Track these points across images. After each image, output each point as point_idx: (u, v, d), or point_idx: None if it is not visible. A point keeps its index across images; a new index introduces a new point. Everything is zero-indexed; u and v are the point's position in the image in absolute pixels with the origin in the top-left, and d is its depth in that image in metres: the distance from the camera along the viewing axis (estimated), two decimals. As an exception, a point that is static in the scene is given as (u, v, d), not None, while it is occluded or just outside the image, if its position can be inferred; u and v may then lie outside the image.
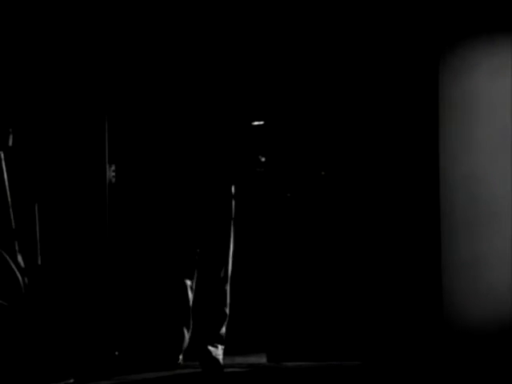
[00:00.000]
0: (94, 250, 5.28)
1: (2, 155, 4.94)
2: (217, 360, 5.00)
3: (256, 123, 5.60)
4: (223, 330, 5.08)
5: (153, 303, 5.41)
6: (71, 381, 4.68)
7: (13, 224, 4.91)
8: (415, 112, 5.30)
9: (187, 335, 5.02)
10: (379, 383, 4.77)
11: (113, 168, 5.40)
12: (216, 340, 5.05)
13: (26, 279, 4.83)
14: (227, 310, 5.08)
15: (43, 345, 4.89)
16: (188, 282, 5.06)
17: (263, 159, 5.42)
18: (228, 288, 5.09)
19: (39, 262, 5.03)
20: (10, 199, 4.93)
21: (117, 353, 5.30)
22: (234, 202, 5.09)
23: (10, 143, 4.98)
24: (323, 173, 5.39)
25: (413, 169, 5.28)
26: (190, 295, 5.07)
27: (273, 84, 5.40)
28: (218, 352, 5.03)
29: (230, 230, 5.07)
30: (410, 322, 5.23)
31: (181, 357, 5.06)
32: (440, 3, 5.26)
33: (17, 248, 4.86)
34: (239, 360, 5.40)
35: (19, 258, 4.84)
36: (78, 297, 5.23)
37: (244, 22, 5.46)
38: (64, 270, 5.23)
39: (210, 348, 5.02)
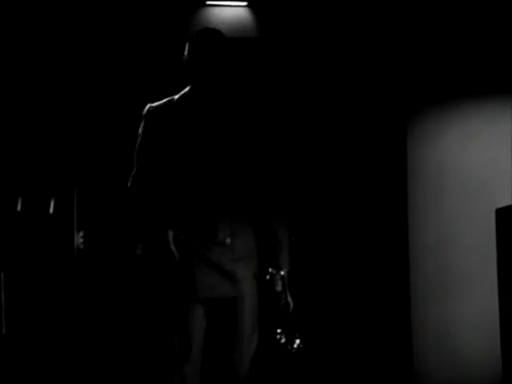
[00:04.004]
0: (61, 316, 5.22)
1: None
2: None
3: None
4: None
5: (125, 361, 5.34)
6: None
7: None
8: (384, 181, 5.33)
9: None
10: None
11: (81, 234, 5.38)
12: None
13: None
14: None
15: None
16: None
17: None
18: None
19: (3, 331, 4.97)
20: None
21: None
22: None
23: None
24: (293, 238, 5.38)
25: (382, 239, 5.29)
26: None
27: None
28: None
29: None
30: (381, 382, 5.21)
31: None
32: (409, 69, 5.32)
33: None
34: None
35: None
36: (43, 365, 5.15)
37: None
38: (29, 338, 5.16)
39: None
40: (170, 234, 3.29)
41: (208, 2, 5.39)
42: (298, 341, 3.47)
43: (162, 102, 3.44)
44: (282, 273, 3.39)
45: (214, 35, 3.43)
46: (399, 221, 5.29)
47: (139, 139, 3.45)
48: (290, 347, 3.44)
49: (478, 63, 5.28)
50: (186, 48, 3.45)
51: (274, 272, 3.39)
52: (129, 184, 3.47)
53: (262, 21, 5.39)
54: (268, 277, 3.39)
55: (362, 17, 5.33)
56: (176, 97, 3.44)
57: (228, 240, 3.34)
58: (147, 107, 3.44)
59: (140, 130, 3.45)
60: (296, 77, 5.43)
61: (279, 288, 3.39)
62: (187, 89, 3.43)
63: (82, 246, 5.37)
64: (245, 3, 5.40)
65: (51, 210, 5.29)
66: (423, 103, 5.31)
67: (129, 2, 5.36)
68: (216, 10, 5.39)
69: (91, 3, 5.34)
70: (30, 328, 5.17)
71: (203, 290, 3.33)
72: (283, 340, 3.45)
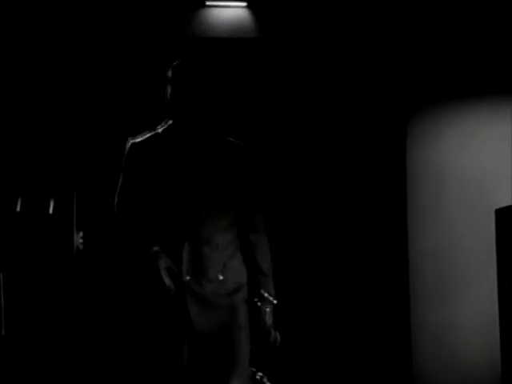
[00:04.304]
0: (61, 317, 5.21)
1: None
2: None
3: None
4: None
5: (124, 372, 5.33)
6: None
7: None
8: (383, 181, 5.32)
9: None
10: None
11: (80, 235, 5.38)
12: None
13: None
14: None
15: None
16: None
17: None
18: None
19: (3, 332, 4.96)
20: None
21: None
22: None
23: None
24: (292, 241, 5.38)
25: (381, 241, 5.28)
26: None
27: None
28: None
29: None
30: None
31: None
32: (408, 69, 5.31)
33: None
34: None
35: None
36: (43, 366, 5.15)
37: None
38: (29, 339, 5.15)
39: None
40: (163, 263, 3.24)
41: (208, 3, 5.39)
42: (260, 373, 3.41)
43: (144, 136, 3.36)
44: (275, 302, 3.37)
45: (192, 71, 3.32)
46: (399, 222, 5.28)
47: (122, 177, 3.35)
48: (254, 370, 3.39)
49: (478, 63, 5.27)
50: (167, 83, 3.34)
51: (264, 304, 3.36)
52: (115, 215, 3.37)
53: (261, 21, 5.38)
54: (256, 307, 3.37)
55: (361, 17, 5.33)
56: (159, 130, 3.36)
57: (220, 277, 3.31)
58: (130, 143, 3.35)
59: (124, 166, 3.34)
60: (295, 77, 5.43)
61: (266, 322, 3.36)
62: (170, 122, 3.36)
63: (81, 247, 5.37)
64: (244, 4, 5.40)
65: (51, 211, 5.29)
66: (423, 103, 5.30)
67: (129, 2, 5.35)
68: (215, 11, 5.39)
69: (92, 3, 5.34)
70: (29, 329, 5.17)
71: (199, 327, 3.29)
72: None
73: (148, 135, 3.35)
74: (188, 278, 3.26)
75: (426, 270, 5.20)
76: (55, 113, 5.35)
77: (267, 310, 3.37)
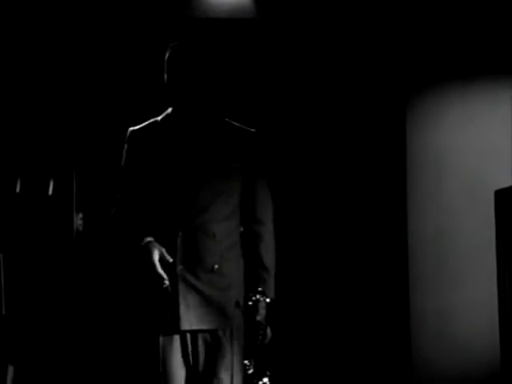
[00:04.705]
0: (61, 298, 5.22)
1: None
2: None
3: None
4: None
5: (123, 355, 5.34)
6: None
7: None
8: (383, 165, 5.31)
9: None
10: None
11: (80, 216, 5.37)
12: None
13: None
14: None
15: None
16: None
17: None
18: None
19: (3, 312, 4.97)
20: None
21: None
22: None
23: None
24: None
25: (381, 227, 5.28)
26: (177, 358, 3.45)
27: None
28: None
29: None
30: (380, 371, 5.20)
31: None
32: (408, 50, 5.29)
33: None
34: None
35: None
36: (43, 346, 5.16)
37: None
38: (29, 319, 5.16)
39: None
40: (156, 254, 3.10)
41: (207, -17, 5.37)
42: (266, 379, 3.23)
43: (144, 124, 3.28)
44: (268, 300, 3.18)
45: (189, 53, 3.17)
46: (398, 207, 5.27)
47: (122, 164, 3.26)
48: (255, 382, 3.22)
49: (479, 45, 5.25)
50: (165, 66, 3.22)
51: (258, 299, 3.18)
52: (113, 211, 3.27)
53: (260, 2, 5.36)
54: (251, 303, 3.18)
55: (361, -1, 5.31)
56: (159, 118, 3.27)
57: (216, 266, 3.15)
58: (129, 131, 3.28)
59: (123, 155, 3.26)
60: (294, 58, 5.41)
61: (260, 317, 3.17)
62: (169, 110, 3.26)
63: (81, 228, 5.37)
64: (244, -16, 5.37)
65: (50, 192, 5.28)
66: (422, 85, 5.29)
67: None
68: (215, -9, 5.37)
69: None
70: (29, 309, 5.18)
71: (187, 322, 3.12)
72: (250, 371, 3.22)
73: (147, 123, 3.26)
74: (181, 267, 3.12)
75: (425, 256, 5.20)
76: (55, 94, 5.34)
77: (261, 308, 3.16)
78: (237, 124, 3.27)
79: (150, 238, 3.13)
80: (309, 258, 5.34)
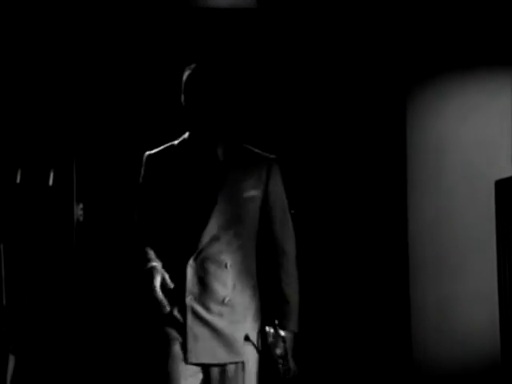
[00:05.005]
0: (61, 288, 5.23)
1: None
2: None
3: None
4: None
5: (124, 345, 5.35)
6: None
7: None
8: (382, 154, 5.30)
9: None
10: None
11: (80, 206, 5.38)
12: None
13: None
14: None
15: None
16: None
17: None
18: None
19: (4, 303, 4.97)
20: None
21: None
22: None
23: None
24: (293, 211, 5.38)
25: (381, 215, 5.28)
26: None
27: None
28: None
29: None
30: (379, 365, 5.21)
31: None
32: (409, 40, 5.28)
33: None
34: None
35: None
36: (43, 337, 5.17)
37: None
38: (30, 309, 5.17)
39: None
40: (158, 279, 2.96)
41: (208, -27, 5.36)
42: None
43: (160, 148, 3.18)
44: (283, 334, 3.03)
45: (208, 75, 3.03)
46: (398, 199, 5.27)
47: (139, 188, 3.17)
48: None
49: (479, 36, 5.24)
50: (182, 88, 3.10)
51: (275, 334, 3.03)
52: (132, 235, 3.18)
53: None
54: (270, 339, 3.03)
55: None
56: (176, 142, 3.16)
57: (228, 298, 3.03)
58: (146, 155, 3.17)
59: (140, 179, 3.17)
60: (295, 47, 5.40)
61: (279, 351, 3.03)
62: (186, 135, 3.15)
63: (81, 219, 5.37)
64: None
65: (50, 182, 5.28)
66: (423, 77, 5.28)
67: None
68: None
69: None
70: (30, 299, 5.18)
71: (195, 355, 3.00)
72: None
73: (163, 147, 3.17)
74: (190, 297, 3.01)
75: (425, 248, 5.20)
76: (55, 83, 5.33)
77: (279, 342, 3.02)
78: (256, 150, 3.15)
79: (154, 263, 3.02)
80: (307, 249, 5.34)
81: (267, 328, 3.05)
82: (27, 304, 5.15)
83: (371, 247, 5.26)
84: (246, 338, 3.05)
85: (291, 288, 3.11)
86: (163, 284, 2.97)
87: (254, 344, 3.07)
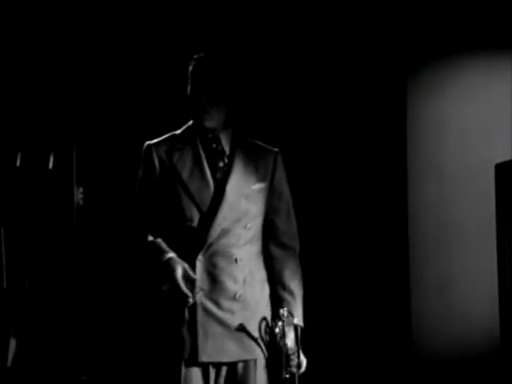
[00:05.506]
0: (62, 271, 5.23)
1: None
2: None
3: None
4: None
5: (123, 327, 5.36)
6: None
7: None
8: (383, 135, 5.30)
9: None
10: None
11: (81, 190, 5.37)
12: None
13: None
14: None
15: (9, 370, 4.83)
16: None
17: None
18: None
19: (4, 286, 4.97)
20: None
21: (84, 377, 5.24)
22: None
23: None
24: None
25: (381, 191, 5.28)
26: None
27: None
28: None
29: None
30: (378, 346, 5.22)
31: None
32: (410, 21, 5.27)
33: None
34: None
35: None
36: (44, 319, 5.17)
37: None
38: (30, 293, 5.17)
39: None
40: (179, 271, 2.88)
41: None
42: None
43: (162, 138, 3.10)
44: (296, 321, 2.96)
45: (215, 65, 2.97)
46: (398, 178, 5.27)
47: (139, 179, 3.09)
48: None
49: (479, 18, 5.23)
50: (189, 78, 3.04)
51: (284, 323, 2.92)
52: (128, 230, 3.09)
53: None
54: (278, 330, 2.94)
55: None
56: (178, 132, 3.09)
57: (239, 293, 2.96)
58: (145, 145, 3.09)
59: (140, 170, 3.09)
60: (296, 29, 5.38)
61: (290, 341, 2.93)
62: (190, 123, 3.08)
63: (81, 202, 5.36)
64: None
65: (50, 166, 5.28)
66: (423, 59, 5.28)
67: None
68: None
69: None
70: (30, 282, 5.18)
71: (205, 354, 2.91)
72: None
73: (165, 136, 3.09)
74: (201, 293, 2.92)
75: (425, 225, 5.21)
76: (55, 65, 5.32)
77: (289, 331, 2.94)
78: (259, 143, 3.10)
79: (171, 254, 2.94)
80: (308, 231, 5.34)
81: (281, 318, 2.96)
82: (28, 287, 5.16)
83: (371, 228, 5.26)
84: (260, 334, 2.97)
85: (296, 283, 3.06)
86: (185, 275, 2.88)
87: (265, 340, 2.99)
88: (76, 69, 5.35)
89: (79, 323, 5.26)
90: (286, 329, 2.94)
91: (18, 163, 5.24)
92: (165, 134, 3.12)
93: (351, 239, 5.30)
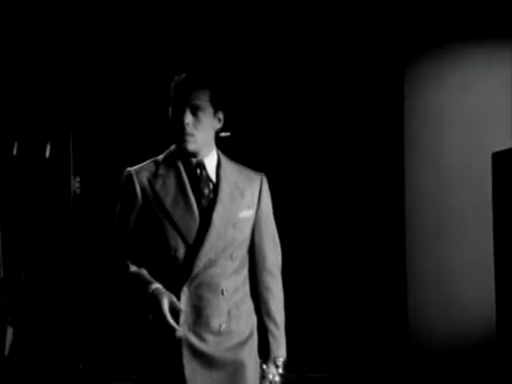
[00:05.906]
0: (59, 260, 5.23)
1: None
2: None
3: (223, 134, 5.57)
4: None
5: (118, 315, 5.36)
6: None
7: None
8: (380, 125, 5.30)
9: None
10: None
11: (78, 179, 5.37)
12: None
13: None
14: None
15: (6, 359, 4.84)
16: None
17: None
18: None
19: (1, 275, 4.98)
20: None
21: (81, 366, 5.25)
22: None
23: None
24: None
25: (378, 181, 5.28)
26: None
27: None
28: None
29: None
30: (375, 334, 5.23)
31: None
32: (408, 11, 5.26)
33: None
34: None
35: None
36: (41, 309, 5.18)
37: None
38: (27, 280, 5.18)
39: None
40: (165, 303, 2.75)
41: None
42: None
43: (143, 164, 2.89)
44: (281, 371, 2.93)
45: (195, 85, 2.81)
46: (396, 167, 5.27)
47: (118, 209, 2.90)
48: None
49: (478, 6, 5.23)
50: (170, 99, 2.88)
51: (268, 368, 2.92)
52: (109, 262, 2.92)
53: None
54: (263, 372, 2.91)
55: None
56: (160, 158, 2.90)
57: (223, 325, 2.84)
58: (126, 172, 2.86)
59: (119, 199, 2.89)
60: (293, 22, 5.38)
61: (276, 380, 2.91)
62: (172, 148, 2.90)
63: (78, 191, 5.37)
64: None
65: (47, 155, 5.28)
66: (421, 46, 5.27)
67: None
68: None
69: None
70: (27, 271, 5.19)
71: None
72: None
73: (146, 163, 2.88)
74: (184, 327, 2.78)
75: (423, 214, 5.21)
76: (52, 56, 5.32)
77: (275, 376, 2.90)
78: (243, 167, 2.97)
79: (156, 285, 2.79)
80: (305, 220, 5.35)
81: (268, 364, 2.94)
82: (25, 276, 5.16)
83: (369, 217, 5.27)
84: (251, 359, 2.90)
85: (279, 311, 2.98)
86: (172, 306, 2.75)
87: (256, 365, 2.92)
88: (72, 59, 5.34)
89: (76, 312, 5.27)
90: (270, 371, 2.92)
91: (14, 152, 5.25)
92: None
93: (349, 230, 5.30)
